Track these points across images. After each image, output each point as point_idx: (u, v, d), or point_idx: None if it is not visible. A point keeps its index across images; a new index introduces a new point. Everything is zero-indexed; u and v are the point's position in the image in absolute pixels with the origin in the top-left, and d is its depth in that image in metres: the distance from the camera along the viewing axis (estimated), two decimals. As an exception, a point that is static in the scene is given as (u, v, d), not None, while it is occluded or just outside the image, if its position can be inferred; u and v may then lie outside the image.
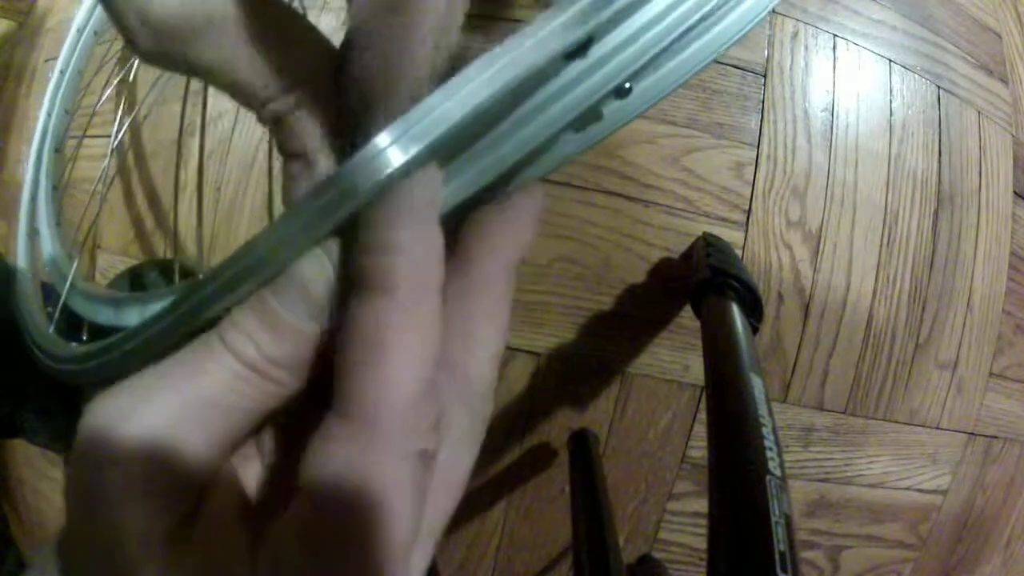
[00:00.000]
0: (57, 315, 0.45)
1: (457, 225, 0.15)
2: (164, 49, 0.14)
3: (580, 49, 0.14)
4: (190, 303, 0.15)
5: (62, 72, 0.66)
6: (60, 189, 0.63)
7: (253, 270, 0.13)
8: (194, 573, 0.12)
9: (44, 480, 0.79)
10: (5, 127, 0.88)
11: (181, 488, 0.13)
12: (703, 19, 0.16)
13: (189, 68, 0.14)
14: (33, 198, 0.61)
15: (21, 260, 0.57)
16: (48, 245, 0.57)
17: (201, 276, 0.16)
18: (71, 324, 0.46)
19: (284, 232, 0.13)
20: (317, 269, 0.13)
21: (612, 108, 0.16)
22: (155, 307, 0.39)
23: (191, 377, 0.13)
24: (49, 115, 0.65)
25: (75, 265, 0.51)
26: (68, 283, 0.48)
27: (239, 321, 0.13)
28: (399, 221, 0.12)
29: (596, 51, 0.14)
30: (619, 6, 0.14)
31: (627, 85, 0.15)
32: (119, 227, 0.73)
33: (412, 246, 0.12)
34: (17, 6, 0.91)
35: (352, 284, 0.13)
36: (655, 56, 0.15)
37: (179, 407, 0.12)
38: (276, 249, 0.13)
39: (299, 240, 0.13)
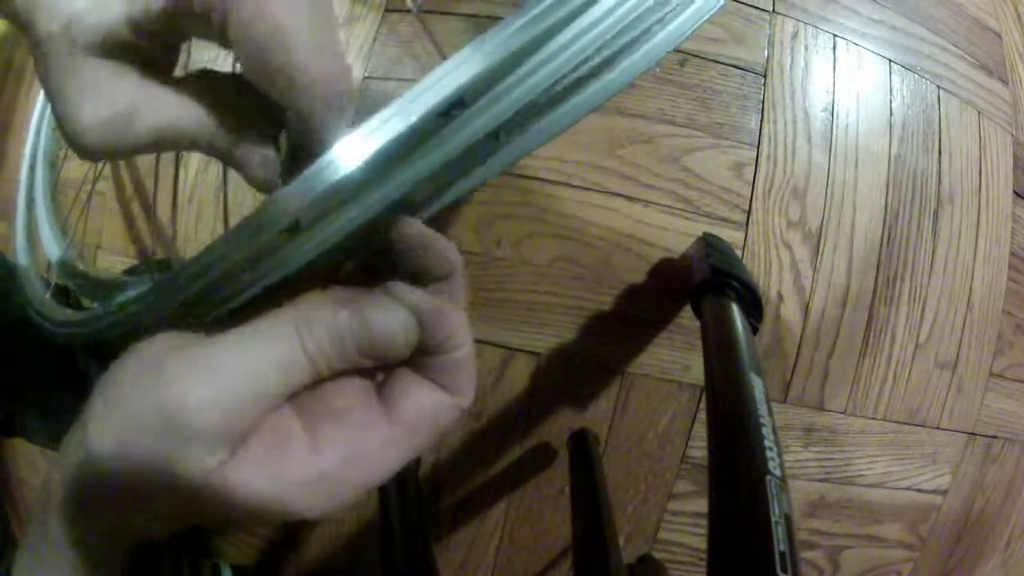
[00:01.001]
0: (52, 286, 0.49)
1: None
2: (110, 152, 0.19)
3: (452, 109, 0.18)
4: (165, 289, 0.21)
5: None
6: (57, 166, 0.64)
7: (210, 266, 0.19)
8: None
9: (44, 480, 0.79)
10: (5, 127, 0.88)
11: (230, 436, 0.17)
12: (579, 80, 0.20)
13: (135, 152, 0.20)
14: (32, 168, 0.63)
15: (19, 234, 0.59)
16: (44, 222, 0.58)
17: (173, 269, 0.22)
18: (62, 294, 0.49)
19: (229, 244, 0.19)
20: (403, 333, 0.18)
21: (494, 154, 0.20)
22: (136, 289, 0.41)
23: (270, 368, 0.17)
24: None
25: (68, 240, 0.52)
26: (60, 253, 0.50)
27: (325, 349, 0.18)
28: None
29: (467, 112, 0.18)
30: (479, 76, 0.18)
31: (498, 136, 0.19)
32: (118, 228, 0.73)
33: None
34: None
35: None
36: (524, 113, 0.19)
37: (249, 393, 0.17)
38: (225, 254, 0.19)
39: (238, 249, 0.19)
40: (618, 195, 0.61)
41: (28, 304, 0.47)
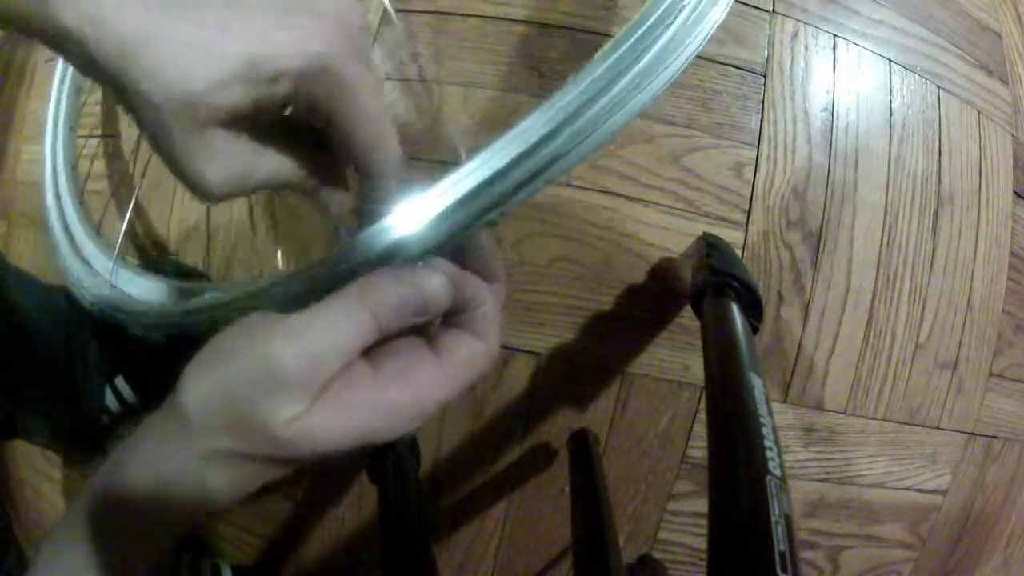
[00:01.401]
0: (111, 282, 0.52)
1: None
2: (229, 198, 0.24)
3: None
4: (261, 298, 0.28)
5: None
6: (78, 169, 0.66)
7: (297, 286, 0.26)
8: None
9: (45, 480, 0.79)
10: (5, 127, 0.88)
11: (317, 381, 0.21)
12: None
13: (247, 195, 0.25)
14: (54, 170, 0.63)
15: (55, 223, 0.60)
16: (74, 221, 0.59)
17: (260, 281, 0.30)
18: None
19: (306, 278, 0.26)
20: (443, 292, 0.23)
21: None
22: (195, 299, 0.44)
23: (346, 330, 0.22)
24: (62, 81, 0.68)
25: (115, 256, 0.53)
26: (116, 252, 0.53)
27: (387, 311, 0.22)
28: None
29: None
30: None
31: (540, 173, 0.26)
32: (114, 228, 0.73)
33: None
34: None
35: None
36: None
37: (332, 349, 0.21)
38: (303, 286, 0.26)
39: (312, 283, 0.25)
40: (618, 195, 0.61)
41: (99, 301, 0.50)
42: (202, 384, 0.21)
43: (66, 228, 0.60)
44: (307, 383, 0.20)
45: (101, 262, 0.54)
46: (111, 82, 0.21)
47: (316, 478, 0.65)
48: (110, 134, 0.76)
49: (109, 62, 0.20)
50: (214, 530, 0.69)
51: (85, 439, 0.68)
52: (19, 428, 0.61)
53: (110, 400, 0.65)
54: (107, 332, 0.63)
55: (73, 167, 0.65)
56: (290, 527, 0.67)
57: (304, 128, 0.26)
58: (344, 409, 0.21)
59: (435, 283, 0.23)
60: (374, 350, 0.23)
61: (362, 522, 0.66)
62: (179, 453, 0.21)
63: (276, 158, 0.25)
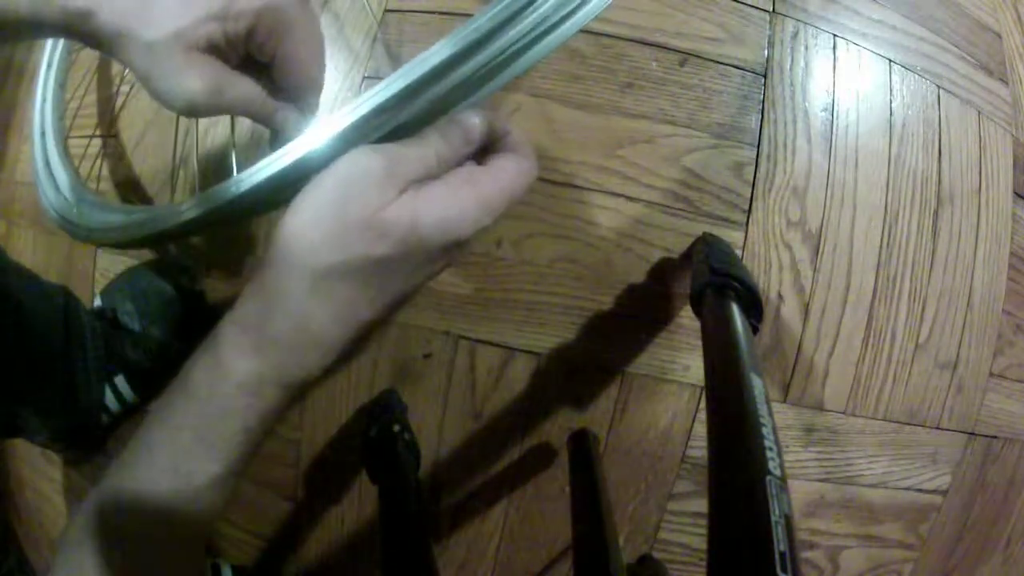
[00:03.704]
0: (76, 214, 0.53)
1: None
2: (204, 112, 0.32)
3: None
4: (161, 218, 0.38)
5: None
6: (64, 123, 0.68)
7: (212, 197, 0.33)
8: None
9: (44, 480, 0.79)
10: (5, 127, 0.88)
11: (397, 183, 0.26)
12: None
13: (219, 113, 0.33)
14: (43, 134, 0.64)
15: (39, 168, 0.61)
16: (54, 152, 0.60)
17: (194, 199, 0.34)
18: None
19: (220, 192, 0.32)
20: (479, 121, 0.29)
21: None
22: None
23: (415, 144, 0.28)
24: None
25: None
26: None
27: (443, 144, 0.28)
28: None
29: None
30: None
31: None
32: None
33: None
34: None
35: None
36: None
37: (404, 158, 0.27)
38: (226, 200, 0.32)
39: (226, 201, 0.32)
40: (618, 195, 0.61)
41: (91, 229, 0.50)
42: (299, 216, 0.25)
43: (47, 162, 0.61)
44: (389, 173, 0.25)
45: (71, 190, 0.56)
46: (112, 39, 0.29)
47: (316, 479, 0.65)
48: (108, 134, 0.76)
49: (109, 26, 0.28)
50: (214, 530, 0.69)
51: (85, 439, 0.68)
52: (21, 428, 0.61)
53: (110, 400, 0.65)
54: (107, 332, 0.63)
55: (60, 117, 0.67)
56: (290, 527, 0.67)
57: (258, 69, 0.34)
58: (426, 201, 0.26)
59: (473, 117, 0.29)
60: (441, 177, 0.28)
61: (362, 522, 0.66)
62: (286, 299, 0.25)
63: (243, 81, 0.32)
